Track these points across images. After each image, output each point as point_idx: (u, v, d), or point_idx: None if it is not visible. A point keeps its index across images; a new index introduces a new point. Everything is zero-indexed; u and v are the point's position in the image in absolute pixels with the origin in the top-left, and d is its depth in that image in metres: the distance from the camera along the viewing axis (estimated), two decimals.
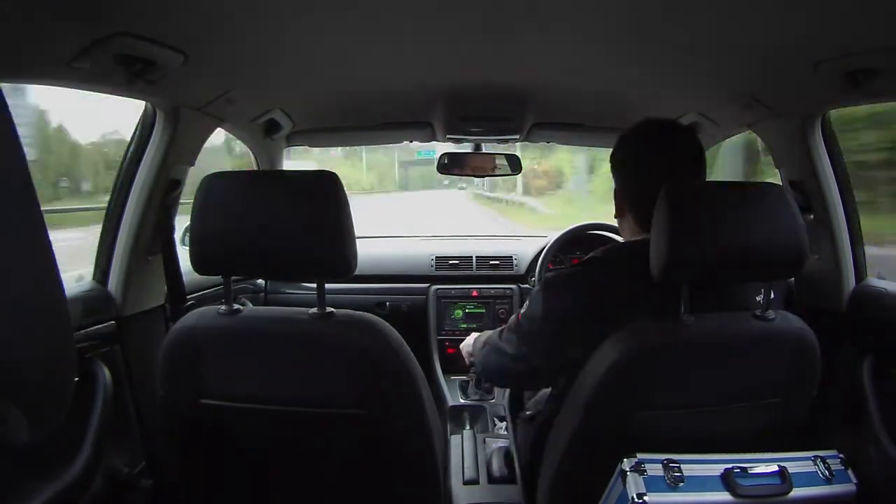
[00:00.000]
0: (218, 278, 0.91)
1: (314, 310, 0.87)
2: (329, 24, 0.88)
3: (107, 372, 1.01)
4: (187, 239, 0.91)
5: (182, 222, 1.26)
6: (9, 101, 0.35)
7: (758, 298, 0.90)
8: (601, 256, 0.95)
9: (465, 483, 1.32)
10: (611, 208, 1.05)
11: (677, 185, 0.84)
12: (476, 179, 3.31)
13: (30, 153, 0.37)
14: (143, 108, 1.15)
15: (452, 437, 1.56)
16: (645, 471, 0.80)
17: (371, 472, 0.94)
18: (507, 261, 2.04)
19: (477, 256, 2.04)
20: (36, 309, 0.37)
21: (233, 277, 0.91)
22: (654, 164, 0.95)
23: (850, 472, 0.85)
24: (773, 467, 0.81)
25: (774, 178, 1.33)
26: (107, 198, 1.18)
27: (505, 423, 1.63)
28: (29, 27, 0.70)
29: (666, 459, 0.81)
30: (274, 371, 0.87)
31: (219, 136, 1.44)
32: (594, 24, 0.88)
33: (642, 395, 0.84)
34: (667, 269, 0.82)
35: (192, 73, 0.96)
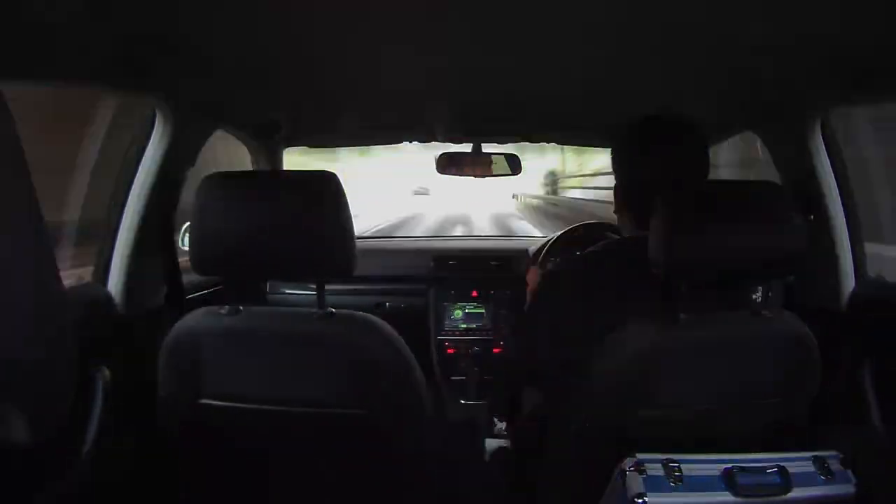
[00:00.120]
0: (218, 278, 0.91)
1: (314, 310, 0.87)
2: (329, 25, 0.88)
3: (107, 372, 1.01)
4: (187, 239, 0.91)
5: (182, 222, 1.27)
6: None
7: (756, 297, 0.90)
8: (599, 251, 0.95)
9: None
10: None
11: (676, 183, 0.84)
12: None
13: None
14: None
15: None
16: (645, 470, 0.80)
17: (371, 472, 0.94)
18: (507, 261, 2.04)
19: (477, 256, 2.04)
20: (36, 309, 0.37)
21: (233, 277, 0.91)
22: (653, 161, 0.95)
23: (849, 472, 0.85)
24: (773, 467, 0.81)
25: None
26: None
27: (505, 423, 1.64)
28: (29, 27, 0.71)
29: (666, 459, 0.81)
30: (274, 371, 0.87)
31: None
32: (594, 25, 0.88)
33: (642, 394, 0.84)
34: (665, 268, 0.82)
35: (192, 73, 0.96)
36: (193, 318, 0.89)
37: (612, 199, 1.03)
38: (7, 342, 0.34)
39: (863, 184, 1.32)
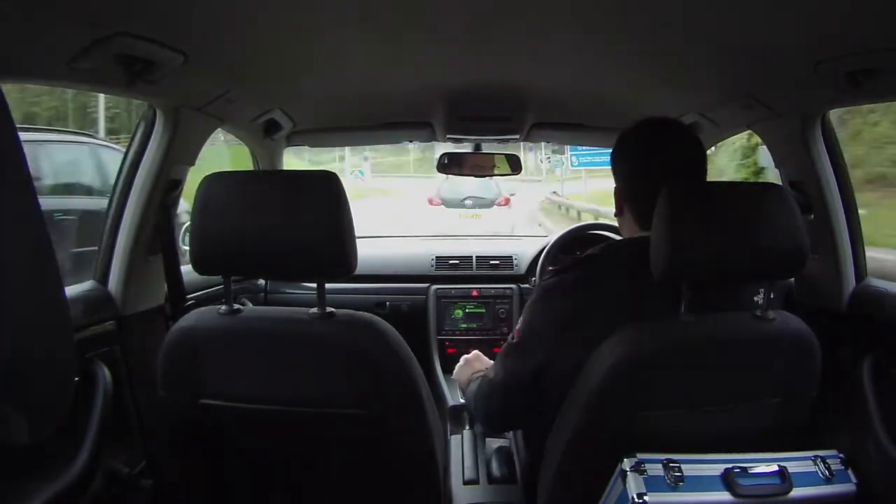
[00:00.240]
0: (218, 278, 0.91)
1: (314, 310, 0.87)
2: (329, 24, 0.88)
3: (107, 372, 1.01)
4: (188, 239, 0.91)
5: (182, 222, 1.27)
6: None
7: (757, 298, 0.89)
8: (599, 254, 0.95)
9: (465, 483, 1.32)
10: None
11: (677, 184, 0.84)
12: None
13: None
14: (143, 108, 1.15)
15: (452, 437, 1.56)
16: (645, 471, 0.80)
17: (371, 472, 0.94)
18: (507, 261, 2.04)
19: (477, 256, 2.04)
20: (36, 309, 0.37)
21: (233, 277, 0.91)
22: (653, 163, 0.95)
23: (850, 471, 0.85)
24: (773, 467, 0.81)
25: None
26: None
27: None
28: (29, 27, 0.70)
29: (666, 459, 0.81)
30: (274, 371, 0.87)
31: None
32: (594, 24, 0.88)
33: (642, 395, 0.84)
34: (667, 269, 0.82)
35: (192, 73, 0.96)
36: (193, 318, 0.89)
37: None
38: (7, 342, 0.34)
39: None
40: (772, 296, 0.87)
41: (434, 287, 1.99)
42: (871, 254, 1.24)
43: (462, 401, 1.75)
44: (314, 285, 0.88)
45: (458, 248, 2.09)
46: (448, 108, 1.45)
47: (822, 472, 0.83)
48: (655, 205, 0.84)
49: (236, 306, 0.89)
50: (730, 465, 0.80)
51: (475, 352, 1.36)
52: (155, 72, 0.90)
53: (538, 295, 0.95)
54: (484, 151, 1.77)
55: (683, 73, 1.15)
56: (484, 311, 1.98)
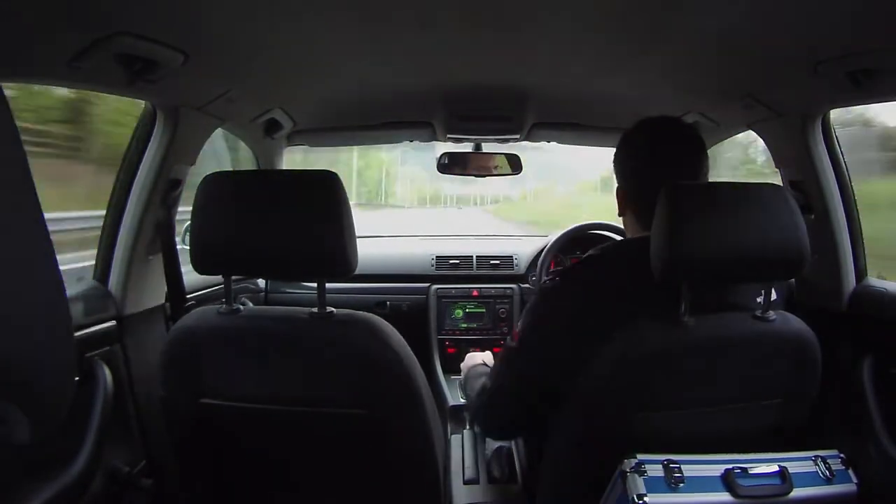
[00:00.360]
0: (218, 278, 0.91)
1: (314, 309, 0.87)
2: (329, 25, 0.88)
3: (107, 372, 1.01)
4: (188, 238, 0.91)
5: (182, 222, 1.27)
6: None
7: (758, 299, 0.89)
8: (600, 254, 0.95)
9: (465, 483, 1.32)
10: None
11: (677, 184, 0.84)
12: None
13: None
14: (143, 107, 1.15)
15: (452, 437, 1.56)
16: (645, 471, 0.80)
17: (371, 472, 0.94)
18: (507, 260, 2.04)
19: (477, 256, 2.04)
20: (36, 308, 0.37)
21: (233, 277, 0.91)
22: (655, 163, 0.95)
23: (850, 472, 0.85)
24: (774, 467, 0.81)
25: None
26: None
27: None
28: (29, 27, 0.70)
29: (666, 460, 0.81)
30: (274, 371, 0.87)
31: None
32: (594, 24, 0.88)
33: (642, 395, 0.84)
34: (667, 269, 0.82)
35: (192, 73, 0.96)
36: (193, 318, 0.89)
37: None
38: (7, 342, 0.34)
39: None
40: (773, 296, 0.87)
41: (434, 287, 1.99)
42: None
43: (462, 401, 1.75)
44: (314, 285, 0.88)
45: (459, 247, 2.09)
46: (448, 107, 1.45)
47: (822, 473, 0.83)
48: (657, 205, 0.84)
49: (236, 306, 0.89)
50: (730, 466, 0.80)
51: (488, 353, 1.35)
52: (155, 71, 0.89)
53: (539, 298, 0.95)
54: (484, 151, 1.77)
55: (683, 73, 1.15)
56: (484, 310, 1.98)
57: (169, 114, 1.13)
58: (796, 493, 0.80)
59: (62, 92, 1.56)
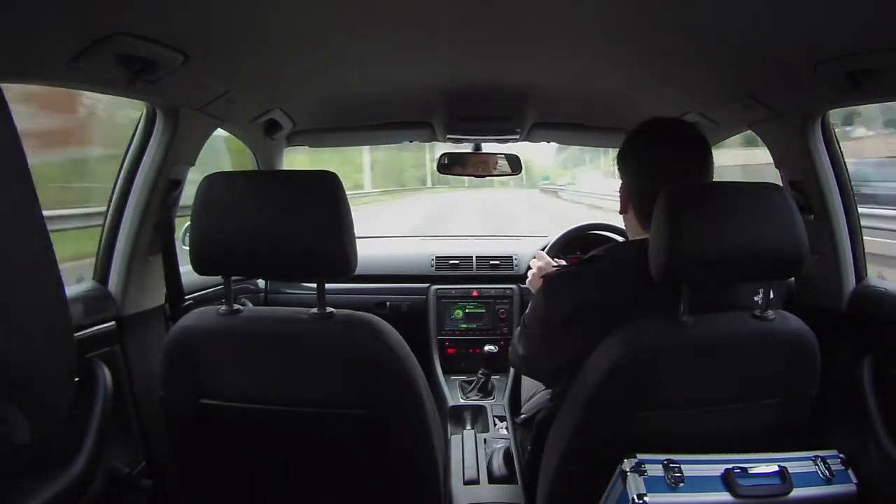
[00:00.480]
0: (218, 278, 0.91)
1: (314, 310, 0.87)
2: (329, 25, 0.88)
3: (107, 372, 1.01)
4: (187, 239, 0.91)
5: (182, 222, 1.27)
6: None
7: (757, 298, 0.89)
8: (602, 254, 0.96)
9: (466, 483, 1.32)
10: None
11: (677, 184, 0.84)
12: None
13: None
14: (143, 108, 1.15)
15: (452, 437, 1.56)
16: (645, 471, 0.80)
17: (371, 472, 0.94)
18: (507, 261, 2.04)
19: (477, 256, 2.04)
20: (36, 309, 0.37)
21: (233, 277, 0.91)
22: (657, 163, 0.95)
23: (850, 472, 0.85)
24: (774, 467, 0.81)
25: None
26: None
27: (505, 423, 1.63)
28: (29, 27, 0.70)
29: (666, 460, 0.81)
30: (274, 371, 0.87)
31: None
32: (594, 25, 0.88)
33: (642, 395, 0.84)
34: (666, 269, 0.82)
35: (192, 73, 0.96)
36: (193, 318, 0.89)
37: None
38: (7, 342, 0.34)
39: None
40: (771, 296, 0.87)
41: (434, 287, 1.99)
42: None
43: (462, 401, 1.75)
44: (314, 285, 0.88)
45: (458, 248, 2.09)
46: (448, 108, 1.45)
47: (822, 473, 0.83)
48: (656, 205, 0.84)
49: (236, 306, 0.89)
50: (730, 466, 0.80)
51: (541, 257, 1.37)
52: (155, 72, 0.89)
53: (543, 286, 0.96)
54: (484, 151, 1.78)
55: (683, 73, 1.15)
56: (484, 311, 1.98)
57: (169, 114, 1.13)
58: (796, 493, 0.80)
59: None
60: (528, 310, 1.01)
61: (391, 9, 0.81)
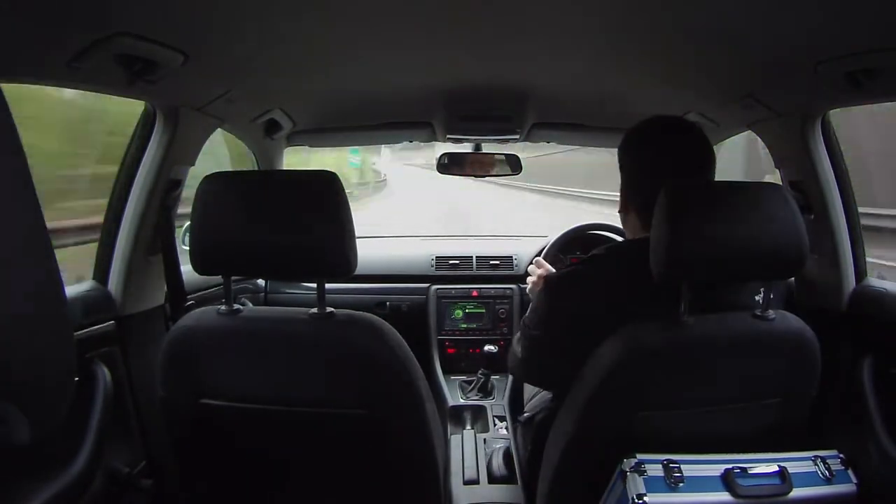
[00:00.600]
0: (218, 278, 0.91)
1: (314, 310, 0.87)
2: (329, 25, 0.88)
3: (107, 372, 1.01)
4: (187, 239, 0.91)
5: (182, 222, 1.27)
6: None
7: (757, 298, 0.89)
8: (603, 254, 0.95)
9: (466, 483, 1.32)
10: None
11: (677, 184, 0.84)
12: None
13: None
14: (143, 108, 1.15)
15: (452, 437, 1.56)
16: (645, 471, 0.80)
17: (371, 472, 0.94)
18: (507, 261, 2.04)
19: (477, 256, 2.04)
20: (36, 309, 0.37)
21: (233, 277, 0.91)
22: (658, 162, 0.95)
23: (850, 472, 0.85)
24: (773, 467, 0.81)
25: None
26: None
27: (505, 423, 1.64)
28: (29, 27, 0.70)
29: (666, 460, 0.81)
30: (274, 371, 0.87)
31: None
32: (594, 24, 0.88)
33: (642, 395, 0.84)
34: (666, 268, 0.82)
35: (192, 73, 0.96)
36: (193, 318, 0.89)
37: None
38: (7, 342, 0.34)
39: None
40: (772, 296, 0.87)
41: (434, 287, 1.99)
42: None
43: (462, 401, 1.75)
44: (314, 285, 0.88)
45: (458, 248, 2.09)
46: (448, 107, 1.45)
47: (822, 473, 0.83)
48: (656, 204, 0.84)
49: (236, 306, 0.89)
50: (730, 466, 0.80)
51: (540, 265, 1.34)
52: (155, 72, 0.90)
53: (545, 288, 0.96)
54: (484, 151, 1.77)
55: (683, 73, 1.15)
56: (484, 311, 1.98)
57: (169, 114, 1.13)
58: (796, 493, 0.80)
59: None
60: (528, 313, 1.01)
61: (391, 9, 0.81)
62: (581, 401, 0.86)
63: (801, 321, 0.88)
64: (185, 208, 1.13)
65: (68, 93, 1.18)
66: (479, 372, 1.80)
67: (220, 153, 1.79)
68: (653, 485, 0.79)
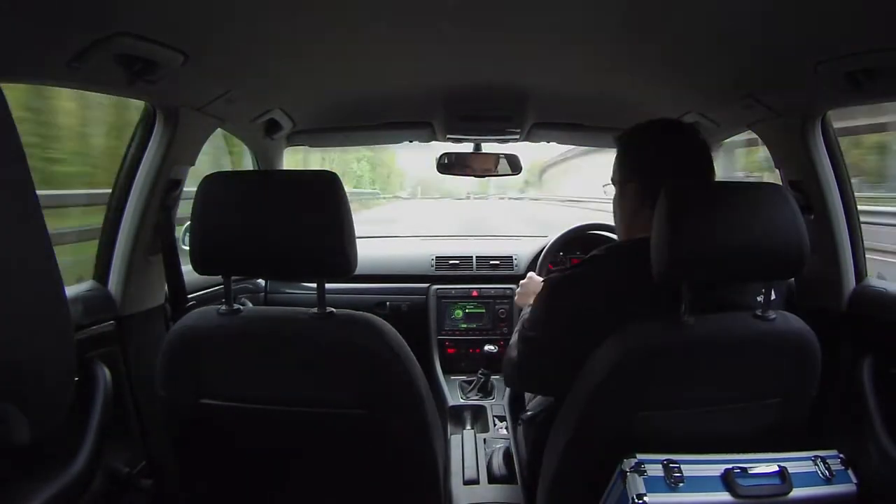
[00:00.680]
0: (218, 278, 0.91)
1: (314, 310, 0.87)
2: (329, 25, 0.88)
3: (107, 372, 1.01)
4: (187, 239, 0.91)
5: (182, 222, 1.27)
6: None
7: (758, 298, 0.89)
8: (603, 254, 0.95)
9: (466, 483, 1.33)
10: None
11: (677, 184, 0.84)
12: None
13: None
14: (143, 108, 1.15)
15: (452, 437, 1.56)
16: (645, 471, 0.80)
17: (371, 472, 0.94)
18: (507, 261, 2.04)
19: (477, 256, 2.04)
20: (36, 309, 0.37)
21: (233, 277, 0.91)
22: (659, 163, 0.95)
23: (850, 472, 0.85)
24: (773, 467, 0.81)
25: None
26: None
27: (505, 423, 1.64)
28: (29, 27, 0.70)
29: (666, 460, 0.81)
30: (274, 371, 0.87)
31: None
32: (594, 25, 0.88)
33: (642, 395, 0.84)
34: (667, 269, 0.82)
35: (192, 73, 0.96)
36: (193, 318, 0.89)
37: None
38: (7, 342, 0.34)
39: None
40: (773, 296, 0.87)
41: (434, 287, 1.99)
42: None
43: (462, 401, 1.75)
44: (314, 285, 0.88)
45: (458, 248, 2.09)
46: (448, 108, 1.45)
47: (822, 473, 0.83)
48: (656, 205, 0.84)
49: (236, 306, 0.89)
50: (730, 466, 0.80)
51: (532, 276, 1.37)
52: (155, 72, 0.90)
53: (544, 289, 0.96)
54: (484, 151, 1.78)
55: (683, 73, 1.15)
56: (484, 311, 1.98)
57: (169, 114, 1.13)
58: (796, 493, 0.80)
59: None
60: (526, 316, 1.00)
61: (391, 9, 0.81)
62: (581, 401, 0.86)
63: (801, 321, 0.88)
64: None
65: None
66: (479, 372, 1.80)
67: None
68: (653, 485, 0.79)
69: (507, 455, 1.39)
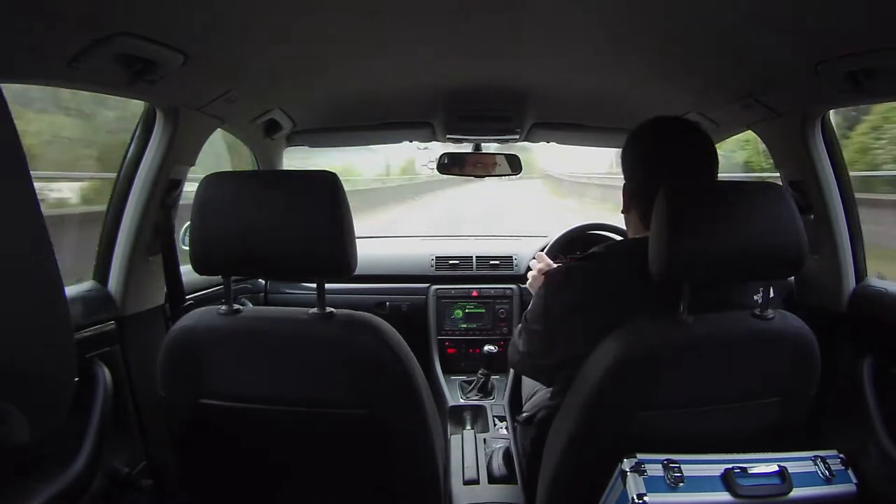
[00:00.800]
0: (218, 278, 0.91)
1: (314, 310, 0.87)
2: (329, 25, 0.88)
3: (107, 372, 1.01)
4: (187, 239, 0.91)
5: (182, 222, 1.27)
6: None
7: (757, 298, 0.89)
8: (602, 252, 0.96)
9: (466, 483, 1.32)
10: None
11: (677, 184, 0.84)
12: None
13: None
14: (143, 108, 1.15)
15: (452, 437, 1.56)
16: (645, 471, 0.80)
17: (371, 472, 0.94)
18: (507, 261, 2.04)
19: (477, 256, 2.04)
20: (36, 309, 0.37)
21: (233, 277, 0.91)
22: (659, 162, 0.95)
23: (850, 472, 0.85)
24: (773, 467, 0.81)
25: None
26: None
27: (505, 423, 1.64)
28: (29, 27, 0.70)
29: (666, 460, 0.81)
30: (274, 371, 0.87)
31: None
32: (594, 24, 0.88)
33: (642, 395, 0.84)
34: (666, 268, 0.82)
35: (192, 73, 0.96)
36: (193, 318, 0.89)
37: None
38: (7, 342, 0.34)
39: None
40: (772, 295, 0.87)
41: (434, 287, 1.99)
42: None
43: (462, 401, 1.75)
44: (314, 285, 0.88)
45: (458, 248, 2.09)
46: (448, 108, 1.45)
47: (822, 473, 0.83)
48: (655, 204, 0.84)
49: (236, 306, 0.89)
50: (730, 466, 0.80)
51: (541, 259, 1.36)
52: (155, 72, 0.90)
53: (546, 282, 0.97)
54: (484, 151, 1.78)
55: (683, 73, 1.15)
56: (484, 311, 1.98)
57: (169, 114, 1.13)
58: (796, 492, 0.80)
59: None
60: (529, 306, 1.01)
61: (391, 9, 0.81)
62: (581, 400, 0.86)
63: (800, 321, 0.88)
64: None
65: None
66: (479, 372, 1.80)
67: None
68: (653, 485, 0.79)
69: (507, 455, 1.39)
